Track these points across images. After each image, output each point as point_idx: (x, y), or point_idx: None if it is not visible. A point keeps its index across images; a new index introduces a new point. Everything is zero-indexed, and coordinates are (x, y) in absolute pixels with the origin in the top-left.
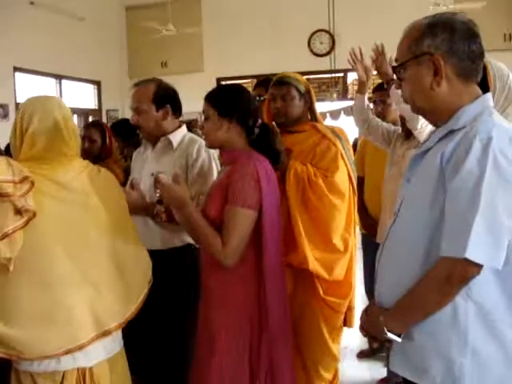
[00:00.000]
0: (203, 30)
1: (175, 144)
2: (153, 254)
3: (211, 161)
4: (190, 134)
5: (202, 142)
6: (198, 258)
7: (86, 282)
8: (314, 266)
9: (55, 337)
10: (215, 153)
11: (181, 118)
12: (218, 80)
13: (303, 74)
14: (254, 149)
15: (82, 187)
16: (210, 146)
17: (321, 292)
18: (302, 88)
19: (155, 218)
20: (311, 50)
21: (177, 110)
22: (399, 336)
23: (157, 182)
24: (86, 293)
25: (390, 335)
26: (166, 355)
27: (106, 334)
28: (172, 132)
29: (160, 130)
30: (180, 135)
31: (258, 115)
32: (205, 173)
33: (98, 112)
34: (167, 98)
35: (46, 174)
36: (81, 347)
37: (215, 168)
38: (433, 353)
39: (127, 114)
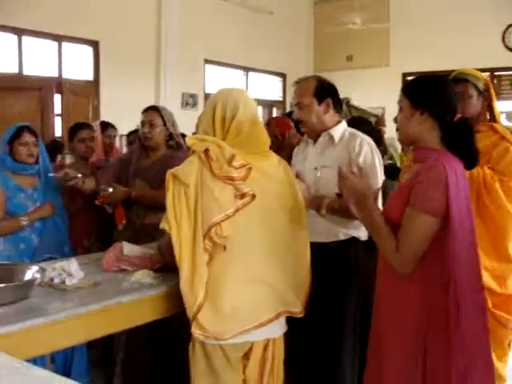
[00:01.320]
0: (390, 25)
1: (336, 139)
2: (315, 246)
3: (374, 155)
4: (350, 129)
5: (363, 136)
6: (361, 251)
7: (275, 264)
8: (483, 276)
9: (249, 313)
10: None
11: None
12: (404, 75)
13: (494, 70)
14: (447, 147)
15: (280, 178)
16: (401, 139)
17: (490, 305)
18: (481, 86)
19: (320, 211)
20: (505, 45)
21: (337, 104)
22: None
23: (339, 175)
24: (273, 272)
25: None
26: (319, 350)
27: (286, 313)
28: (333, 127)
29: (322, 124)
30: (340, 130)
31: (457, 111)
32: (368, 167)
33: (282, 104)
34: (328, 92)
35: (254, 163)
36: (270, 321)
37: (378, 162)
38: None
39: None
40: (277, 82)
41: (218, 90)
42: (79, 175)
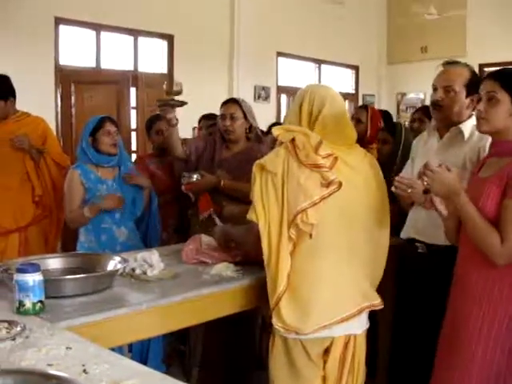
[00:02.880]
0: (467, 11)
1: (466, 135)
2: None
3: None
4: None
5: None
6: None
7: (356, 256)
8: None
9: (331, 307)
10: None
11: None
12: (481, 66)
13: None
14: None
15: (365, 171)
16: (487, 131)
17: None
18: None
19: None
20: None
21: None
22: None
23: (426, 168)
24: (355, 267)
25: None
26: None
27: (368, 307)
28: (463, 122)
29: (459, 117)
30: (471, 125)
31: None
32: None
33: (354, 96)
34: (477, 88)
35: (340, 155)
36: (352, 316)
37: None
38: None
39: (383, 99)
40: (349, 74)
41: (305, 85)
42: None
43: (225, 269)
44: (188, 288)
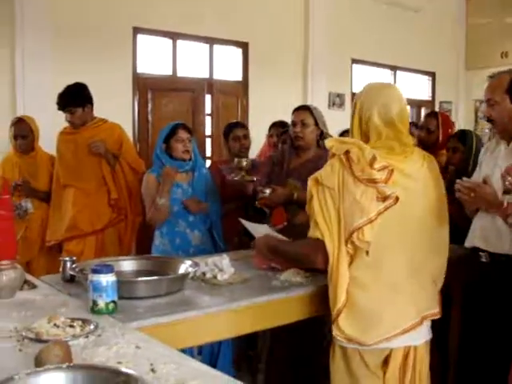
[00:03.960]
0: None
1: None
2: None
3: None
4: None
5: None
6: None
7: (415, 271)
8: None
9: (392, 319)
10: None
11: None
12: None
13: None
14: None
15: (423, 177)
16: None
17: None
18: None
19: (507, 220)
20: None
21: None
22: None
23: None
24: (415, 279)
25: None
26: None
27: (426, 317)
28: None
29: None
30: None
31: None
32: None
33: (430, 103)
34: None
35: (395, 164)
36: (413, 327)
37: None
38: None
39: (461, 105)
40: (425, 80)
41: (362, 87)
42: (255, 178)
43: (294, 275)
44: (257, 293)
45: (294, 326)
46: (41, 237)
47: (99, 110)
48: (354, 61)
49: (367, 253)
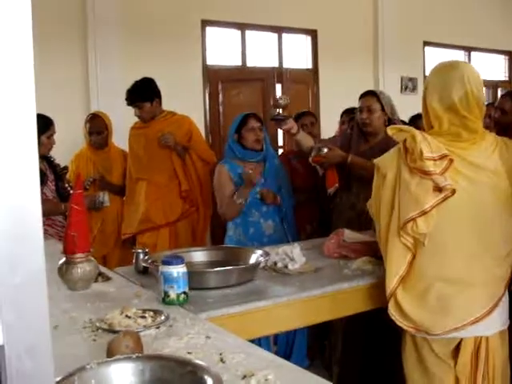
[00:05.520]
0: None
1: None
2: None
3: None
4: None
5: None
6: None
7: (484, 257)
8: None
9: (461, 310)
10: None
11: None
12: None
13: None
14: None
15: (494, 168)
16: None
17: None
18: None
19: None
20: None
21: None
22: None
23: None
24: (481, 267)
25: None
26: None
27: (495, 306)
28: None
29: None
30: None
31: None
32: None
33: (508, 84)
34: None
35: (459, 152)
36: (481, 318)
37: None
38: None
39: None
40: (502, 60)
41: (433, 68)
42: (291, 117)
43: (366, 263)
44: (328, 282)
45: (368, 314)
46: (116, 230)
47: (170, 103)
48: (426, 43)
49: (424, 244)
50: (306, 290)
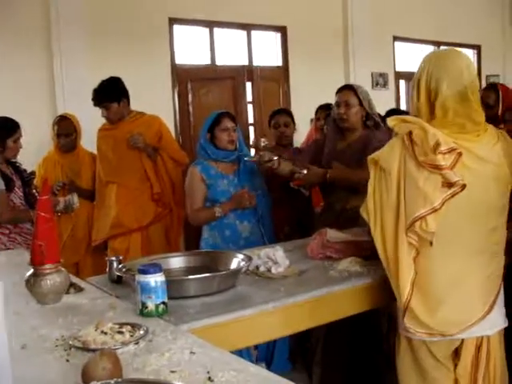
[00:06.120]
0: None
1: None
2: None
3: None
4: None
5: None
6: None
7: (483, 258)
8: None
9: (461, 312)
10: None
11: None
12: None
13: None
14: None
15: (497, 160)
16: None
17: None
18: None
19: None
20: None
21: None
22: None
23: None
24: (482, 262)
25: None
26: None
27: (494, 303)
28: None
29: None
30: None
31: None
32: None
33: (477, 77)
34: None
35: (465, 145)
36: (483, 317)
37: None
38: None
39: (509, 79)
40: (471, 54)
41: (427, 54)
42: (275, 158)
43: (353, 264)
44: (315, 285)
45: (351, 316)
46: (87, 236)
47: (138, 103)
48: (396, 38)
49: (431, 243)
50: (291, 295)
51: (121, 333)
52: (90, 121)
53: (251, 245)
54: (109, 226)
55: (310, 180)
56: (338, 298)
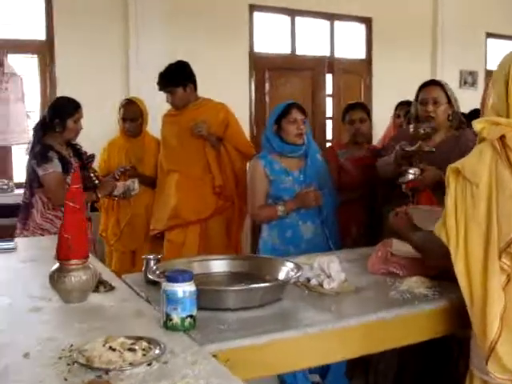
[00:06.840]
0: None
1: None
2: None
3: None
4: None
5: None
6: None
7: None
8: None
9: None
10: None
11: None
12: None
13: None
14: None
15: None
16: None
17: None
18: None
19: None
20: None
21: None
22: None
23: None
24: None
25: None
26: None
27: None
28: None
29: None
30: None
31: None
32: None
33: None
34: None
35: None
36: None
37: None
38: None
39: None
40: None
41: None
42: (434, 149)
43: (418, 284)
44: (371, 308)
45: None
46: (146, 224)
47: (214, 91)
48: (489, 35)
49: None
50: (343, 317)
51: (132, 350)
52: (165, 105)
53: (314, 248)
54: (167, 216)
55: (429, 182)
56: (397, 324)
